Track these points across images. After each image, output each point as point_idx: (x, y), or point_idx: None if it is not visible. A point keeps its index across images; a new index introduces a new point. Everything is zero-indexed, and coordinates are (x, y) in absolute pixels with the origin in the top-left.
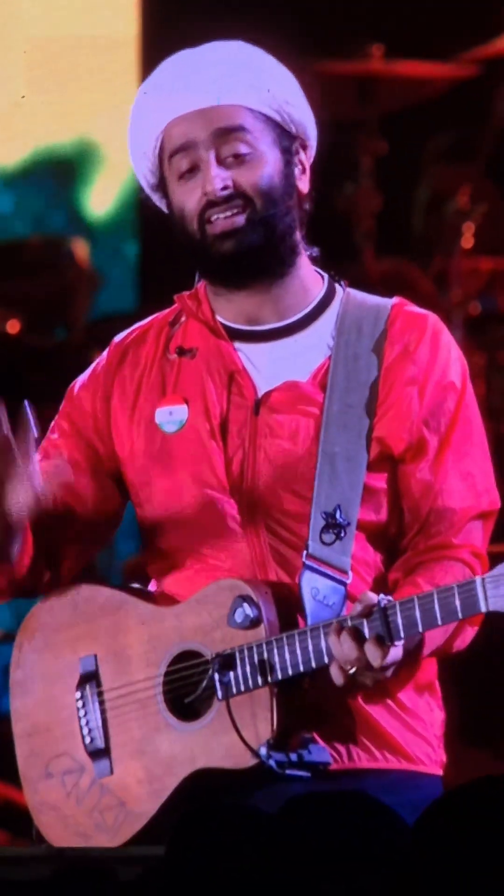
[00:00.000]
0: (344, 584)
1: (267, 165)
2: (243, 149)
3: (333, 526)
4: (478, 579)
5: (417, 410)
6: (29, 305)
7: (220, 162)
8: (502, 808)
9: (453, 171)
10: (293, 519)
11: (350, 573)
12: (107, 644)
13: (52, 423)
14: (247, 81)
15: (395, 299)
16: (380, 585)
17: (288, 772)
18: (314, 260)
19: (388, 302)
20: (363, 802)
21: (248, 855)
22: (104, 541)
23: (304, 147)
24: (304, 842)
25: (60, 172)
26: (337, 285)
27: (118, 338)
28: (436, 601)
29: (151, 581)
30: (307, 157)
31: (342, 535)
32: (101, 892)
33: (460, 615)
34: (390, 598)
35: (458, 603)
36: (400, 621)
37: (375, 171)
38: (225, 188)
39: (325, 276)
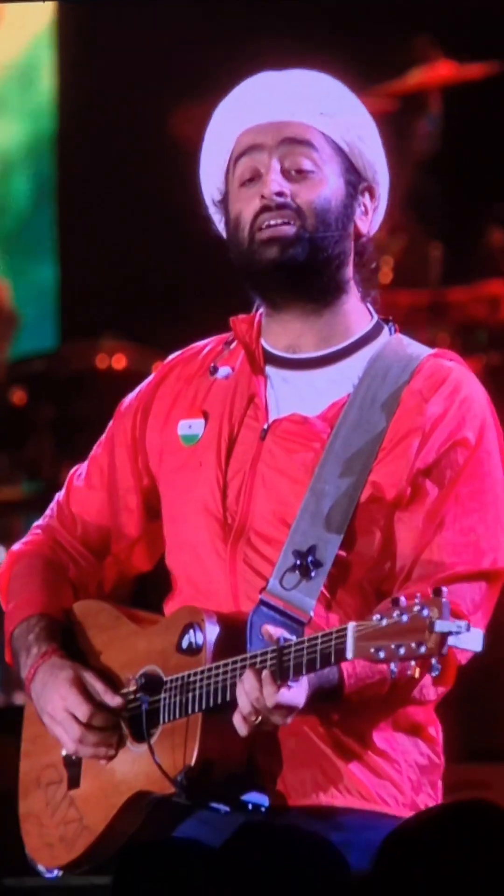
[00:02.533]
0: (301, 623)
1: (327, 187)
2: (307, 165)
3: (302, 567)
4: (351, 626)
5: (415, 459)
6: None
7: (283, 172)
8: (461, 836)
9: None
10: (273, 549)
11: (311, 614)
12: (96, 660)
13: (99, 441)
14: (324, 106)
15: (436, 350)
16: None
17: (211, 804)
18: (373, 302)
19: (425, 351)
20: (307, 838)
21: (184, 887)
22: (143, 564)
23: (372, 192)
24: (243, 876)
25: None
26: (386, 327)
27: (171, 357)
28: (318, 645)
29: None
30: (372, 203)
31: (311, 575)
32: None
33: (332, 660)
34: (292, 638)
35: (332, 648)
36: (291, 662)
37: None
38: (281, 194)
39: (375, 316)
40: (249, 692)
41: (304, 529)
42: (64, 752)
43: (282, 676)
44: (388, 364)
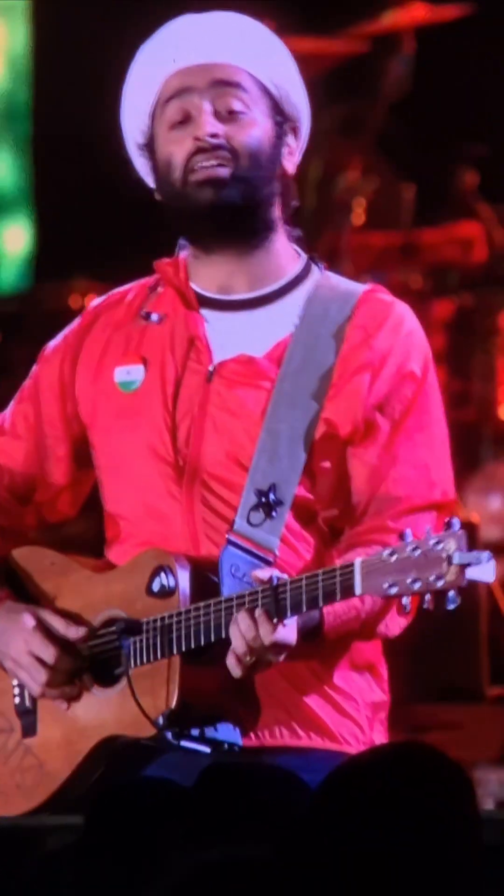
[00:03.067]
0: (268, 562)
1: (258, 128)
2: (238, 105)
3: (265, 505)
4: (357, 562)
5: (367, 395)
6: None
7: (215, 114)
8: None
9: (344, 146)
10: (230, 491)
11: (276, 551)
12: (49, 606)
13: (22, 386)
14: (251, 48)
15: (369, 286)
16: (317, 565)
17: (184, 743)
18: (297, 241)
19: (360, 288)
20: (276, 775)
21: (161, 827)
22: (67, 510)
23: (296, 132)
24: (214, 814)
25: None
26: (315, 266)
27: (93, 302)
28: (320, 582)
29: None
30: (297, 143)
31: (273, 514)
32: (20, 861)
33: (338, 597)
34: (284, 576)
35: (337, 585)
36: (288, 600)
37: None
38: (215, 136)
39: (304, 255)
40: (245, 632)
41: (262, 468)
42: (17, 700)
43: (278, 614)
44: (326, 301)
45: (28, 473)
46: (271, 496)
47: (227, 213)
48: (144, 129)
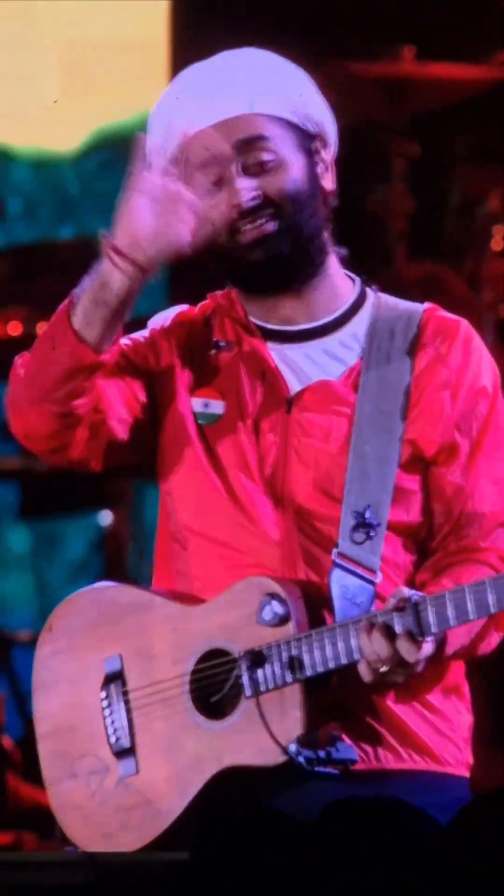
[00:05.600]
0: (373, 583)
1: (291, 169)
2: (266, 156)
3: (363, 525)
4: (487, 581)
5: (450, 414)
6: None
7: (245, 170)
8: None
9: (484, 173)
10: (323, 518)
11: (379, 573)
12: (132, 644)
13: (132, 336)
14: (261, 88)
15: (427, 305)
16: (408, 586)
17: (317, 769)
18: (343, 260)
19: (419, 307)
20: (392, 805)
21: (273, 860)
22: (117, 457)
23: (325, 144)
24: (331, 846)
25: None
26: (368, 289)
27: (160, 323)
28: (467, 595)
29: (160, 570)
30: (328, 154)
31: (372, 534)
32: None
33: (492, 609)
34: (421, 593)
35: (490, 597)
36: (430, 616)
37: (408, 172)
38: (253, 199)
39: (356, 279)
40: (381, 651)
41: (356, 491)
42: (112, 740)
43: (422, 632)
44: (390, 322)
45: (110, 383)
46: (368, 517)
47: (282, 264)
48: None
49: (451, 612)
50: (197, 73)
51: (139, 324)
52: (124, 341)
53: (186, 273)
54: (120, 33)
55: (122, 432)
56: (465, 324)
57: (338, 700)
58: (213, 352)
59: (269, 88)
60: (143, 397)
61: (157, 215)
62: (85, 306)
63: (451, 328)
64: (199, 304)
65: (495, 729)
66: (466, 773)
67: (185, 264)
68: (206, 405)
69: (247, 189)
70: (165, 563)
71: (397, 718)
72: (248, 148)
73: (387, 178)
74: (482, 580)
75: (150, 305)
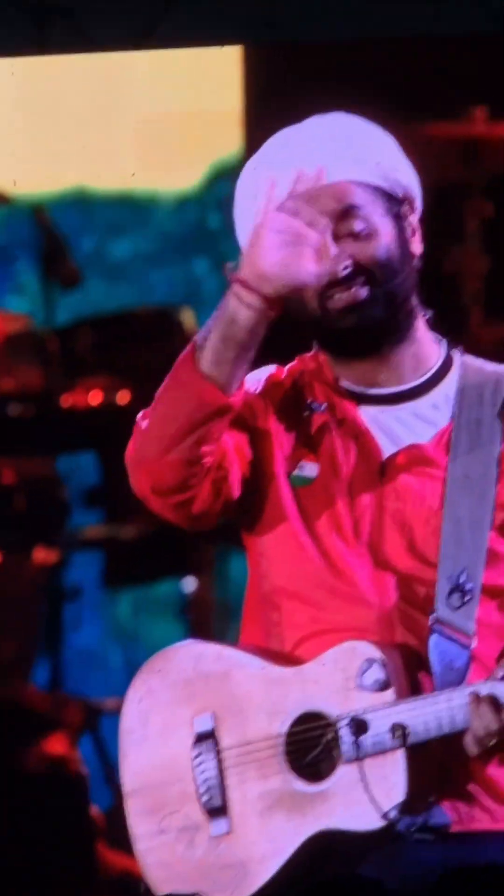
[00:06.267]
0: (468, 647)
1: (383, 237)
2: (359, 226)
3: (459, 590)
4: None
5: None
6: (139, 376)
7: (336, 239)
8: None
9: None
10: (420, 582)
11: (475, 637)
12: (224, 702)
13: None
14: (353, 156)
15: None
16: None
17: (416, 836)
18: (429, 322)
19: (502, 367)
20: (487, 869)
21: None
22: (218, 511)
23: (412, 208)
24: None
25: None
26: (454, 351)
27: (252, 382)
28: None
29: (247, 634)
30: (416, 217)
31: (467, 599)
32: None
33: None
34: None
35: None
36: None
37: (482, 233)
38: (346, 267)
39: (443, 340)
40: (490, 724)
41: (452, 555)
42: (204, 798)
43: None
44: (478, 385)
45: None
46: (463, 581)
47: (374, 331)
48: None
49: None
50: (285, 143)
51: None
52: None
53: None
54: (196, 105)
55: (237, 489)
56: None
57: (437, 767)
58: (306, 413)
59: (358, 156)
60: (249, 456)
61: (283, 251)
62: (214, 345)
63: None
64: (288, 366)
65: None
66: None
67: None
68: (301, 468)
69: (341, 258)
70: (254, 626)
71: (491, 777)
72: (341, 217)
73: (461, 238)
74: None
75: None
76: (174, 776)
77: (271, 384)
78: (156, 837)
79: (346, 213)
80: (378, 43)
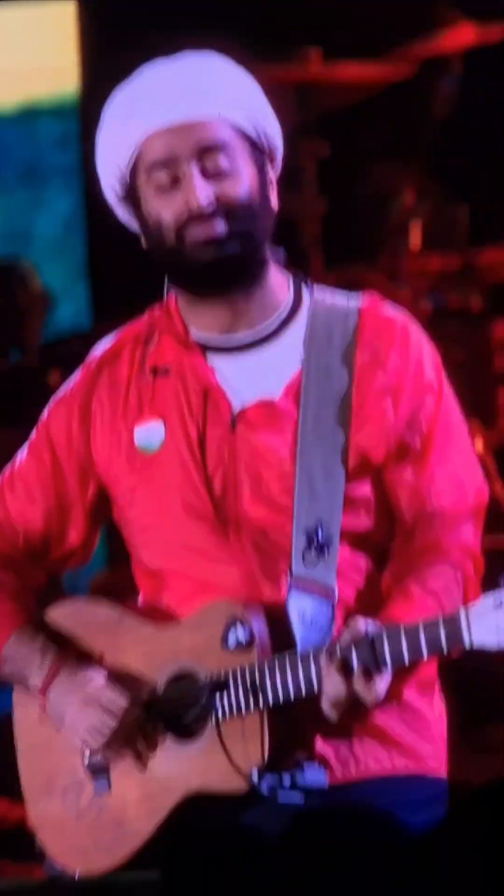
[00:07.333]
0: (331, 601)
1: (246, 180)
2: (225, 164)
3: (316, 546)
4: (461, 611)
5: (393, 418)
6: None
7: (203, 174)
8: None
9: (396, 169)
10: (278, 535)
11: (336, 591)
12: (106, 664)
13: (28, 443)
14: (228, 96)
15: (365, 301)
16: (372, 590)
17: (280, 796)
18: (280, 262)
19: (356, 304)
20: (360, 814)
21: (243, 876)
22: (79, 562)
23: (273, 162)
24: (302, 861)
25: None
26: (303, 286)
27: (91, 356)
28: (422, 635)
29: (138, 596)
30: (274, 170)
31: (325, 553)
32: None
33: (445, 650)
34: (377, 624)
35: (443, 638)
36: (387, 652)
37: (318, 174)
38: (209, 204)
39: (290, 278)
40: (340, 686)
41: (306, 509)
42: (87, 759)
43: (378, 668)
44: (328, 326)
45: (45, 534)
46: (320, 534)
47: (229, 268)
48: (124, 183)
49: (406, 650)
50: (162, 72)
51: (64, 343)
52: (43, 434)
53: (109, 283)
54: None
55: (105, 513)
56: (401, 319)
57: (307, 718)
58: (150, 377)
59: (236, 98)
60: (91, 485)
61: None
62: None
63: (388, 327)
64: (134, 322)
65: (465, 724)
66: (444, 769)
67: (108, 274)
68: (148, 432)
69: (204, 193)
70: (144, 591)
71: (370, 719)
72: (209, 153)
73: (298, 181)
74: (436, 619)
75: (73, 311)
76: (60, 735)
77: (108, 359)
78: (45, 797)
79: (214, 149)
80: None
